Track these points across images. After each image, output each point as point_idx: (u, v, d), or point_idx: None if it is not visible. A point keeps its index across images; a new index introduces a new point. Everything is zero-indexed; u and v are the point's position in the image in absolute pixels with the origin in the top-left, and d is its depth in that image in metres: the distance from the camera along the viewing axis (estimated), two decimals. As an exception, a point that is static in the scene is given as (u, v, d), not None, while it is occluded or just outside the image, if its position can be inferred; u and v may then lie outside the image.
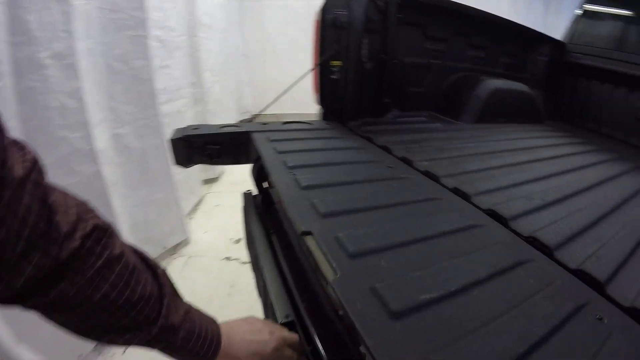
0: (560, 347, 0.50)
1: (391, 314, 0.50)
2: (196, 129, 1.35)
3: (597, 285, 0.68)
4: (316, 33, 1.57)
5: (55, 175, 1.32)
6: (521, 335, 0.50)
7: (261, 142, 1.20)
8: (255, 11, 4.95)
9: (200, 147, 1.34)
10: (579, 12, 2.69)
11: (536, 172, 1.31)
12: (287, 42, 5.09)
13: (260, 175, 1.30)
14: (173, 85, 2.40)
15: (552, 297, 0.61)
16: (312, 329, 0.73)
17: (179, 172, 2.31)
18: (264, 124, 1.46)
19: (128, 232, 1.90)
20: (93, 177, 1.61)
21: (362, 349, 0.46)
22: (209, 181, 3.37)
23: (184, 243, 2.47)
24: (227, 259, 2.34)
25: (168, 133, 2.18)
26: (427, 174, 1.13)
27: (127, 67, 1.85)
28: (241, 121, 1.69)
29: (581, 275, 0.70)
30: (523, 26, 2.30)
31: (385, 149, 1.34)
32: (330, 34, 1.54)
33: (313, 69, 1.61)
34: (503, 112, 2.14)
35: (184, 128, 1.36)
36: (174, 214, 2.34)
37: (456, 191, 1.02)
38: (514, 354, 0.47)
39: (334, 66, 1.59)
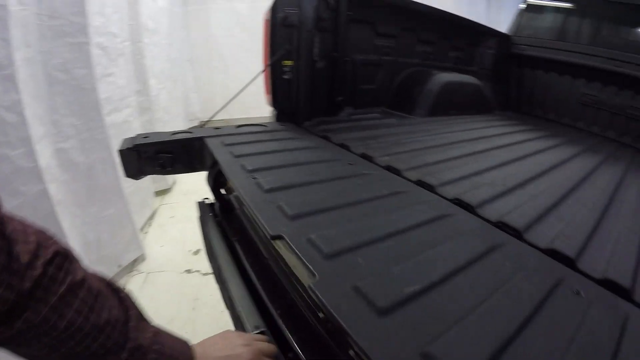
0: (546, 323, 0.51)
1: (379, 311, 0.48)
2: (146, 137, 1.27)
3: (568, 262, 0.71)
4: (266, 32, 1.53)
5: None
6: (509, 317, 0.51)
7: (216, 147, 1.14)
8: (200, 15, 4.81)
9: (152, 157, 1.26)
10: (523, 5, 2.82)
11: (494, 159, 1.34)
12: (233, 45, 4.98)
13: (217, 181, 1.24)
14: (118, 94, 2.27)
15: (529, 277, 0.62)
16: (289, 336, 0.69)
17: (129, 185, 2.19)
18: (217, 128, 1.40)
19: (80, 252, 1.77)
20: (39, 197, 1.49)
21: (352, 352, 0.43)
22: (161, 192, 3.22)
23: (140, 259, 2.34)
24: (188, 271, 2.24)
25: (115, 145, 2.08)
26: (389, 169, 1.12)
27: (68, 76, 1.73)
28: (192, 127, 1.61)
29: (552, 253, 0.73)
30: (469, 20, 2.36)
31: (344, 146, 1.32)
32: (281, 33, 1.50)
33: (264, 70, 1.56)
34: (454, 104, 2.19)
35: (133, 137, 1.27)
36: (127, 230, 2.21)
37: (420, 183, 1.01)
38: (505, 335, 0.47)
39: (286, 66, 1.55)
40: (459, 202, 0.91)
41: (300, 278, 0.55)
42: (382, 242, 0.65)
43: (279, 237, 0.64)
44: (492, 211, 0.88)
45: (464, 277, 0.59)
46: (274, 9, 1.47)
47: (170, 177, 3.32)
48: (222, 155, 1.05)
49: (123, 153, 1.21)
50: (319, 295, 0.49)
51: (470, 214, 0.86)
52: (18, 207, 1.37)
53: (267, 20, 1.52)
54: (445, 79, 2.10)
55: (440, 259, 0.62)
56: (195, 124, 4.94)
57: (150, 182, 2.87)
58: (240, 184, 0.85)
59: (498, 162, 1.31)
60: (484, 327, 0.48)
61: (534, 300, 0.55)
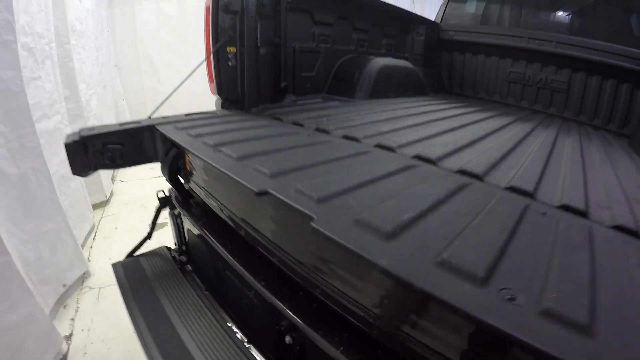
0: (529, 233, 0.58)
1: (387, 236, 0.49)
2: (92, 129, 1.19)
3: (529, 195, 0.79)
4: (207, 20, 1.49)
5: None
6: (499, 228, 0.56)
7: (171, 132, 1.09)
8: (125, 17, 4.57)
9: (100, 150, 1.18)
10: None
11: (440, 127, 1.42)
12: (161, 47, 4.79)
13: (173, 168, 1.17)
14: (46, 100, 2.10)
15: (502, 203, 0.68)
16: (280, 305, 0.69)
17: (64, 197, 2.06)
18: (165, 117, 1.34)
19: (22, 274, 1.62)
20: None
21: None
22: (100, 205, 3.03)
23: (86, 275, 2.19)
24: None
25: (48, 154, 1.93)
26: (347, 137, 1.13)
27: None
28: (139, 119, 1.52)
29: (513, 190, 0.80)
30: (400, 9, 2.48)
31: (297, 124, 1.32)
32: (223, 19, 1.47)
33: (207, 58, 1.52)
34: (392, 87, 2.28)
35: (78, 130, 1.19)
36: (68, 246, 2.05)
37: (380, 146, 1.04)
38: (499, 241, 0.52)
39: (230, 52, 1.52)
40: (420, 157, 0.95)
41: (295, 228, 0.54)
42: (365, 187, 0.67)
43: (265, 193, 0.62)
44: (451, 163, 0.95)
45: (448, 205, 0.63)
46: (216, -4, 1.44)
47: (107, 188, 3.14)
48: (180, 137, 1.01)
49: (69, 146, 1.13)
50: (324, 231, 0.49)
51: (433, 165, 0.90)
52: None
53: (207, 8, 1.48)
54: (382, 62, 2.18)
55: (422, 195, 0.66)
56: (128, 133, 4.72)
57: (86, 194, 2.69)
58: (208, 157, 0.82)
59: (444, 129, 1.39)
60: (480, 238, 0.52)
61: (513, 217, 0.61)
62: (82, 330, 1.83)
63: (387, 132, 1.26)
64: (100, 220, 2.86)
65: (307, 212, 0.54)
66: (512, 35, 2.65)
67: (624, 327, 0.40)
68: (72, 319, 1.91)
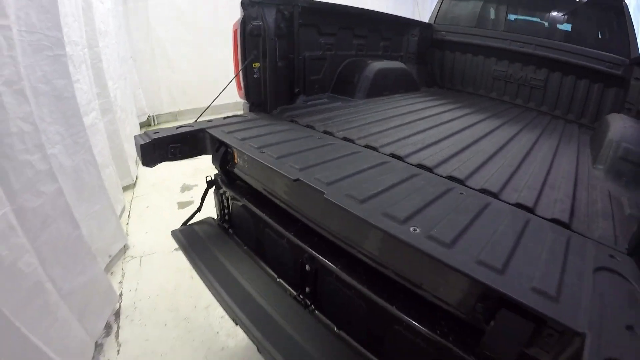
0: (443, 202, 1.13)
1: (360, 201, 1.07)
2: (157, 132, 1.74)
3: (459, 181, 1.33)
4: (235, 41, 2.04)
5: (27, 200, 1.68)
6: (422, 199, 1.12)
7: (223, 136, 1.66)
8: (139, 11, 5.11)
9: (165, 148, 1.74)
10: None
11: (418, 127, 1.98)
12: (174, 39, 5.36)
13: (224, 159, 1.75)
14: (84, 100, 2.60)
15: (434, 186, 1.24)
16: (305, 247, 1.28)
17: (104, 182, 2.56)
18: (209, 120, 1.90)
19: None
20: (56, 195, 1.81)
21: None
22: (128, 188, 3.64)
23: (125, 248, 2.79)
24: (177, 249, 2.72)
25: (93, 146, 2.48)
26: (346, 139, 1.70)
27: (49, 87, 1.98)
28: (190, 122, 2.04)
29: (450, 178, 1.35)
30: (394, 15, 3.05)
31: (310, 127, 1.88)
32: (249, 41, 2.02)
33: (237, 73, 2.08)
34: (387, 86, 2.87)
35: (145, 134, 1.73)
36: (112, 223, 2.62)
37: (367, 147, 1.61)
38: (422, 204, 1.08)
39: (255, 67, 2.08)
40: (393, 155, 1.52)
41: (313, 199, 1.12)
42: (353, 176, 1.25)
43: (298, 179, 1.20)
44: (414, 159, 1.49)
45: (398, 188, 1.20)
46: (243, 23, 1.99)
47: (133, 173, 3.73)
48: (232, 141, 1.58)
49: (144, 147, 1.65)
50: (331, 199, 1.07)
51: (401, 161, 1.47)
52: (42, 206, 1.68)
53: (235, 31, 2.03)
54: (378, 66, 2.76)
55: (385, 181, 1.23)
56: (144, 119, 5.28)
57: (118, 179, 3.26)
58: (258, 157, 1.40)
59: (420, 129, 1.96)
60: (411, 202, 1.08)
61: (435, 193, 1.17)
62: (130, 290, 2.42)
63: (376, 133, 1.83)
64: (132, 200, 3.46)
65: (321, 190, 1.12)
66: (496, 38, 3.23)
67: (471, 246, 0.92)
68: (120, 282, 2.50)
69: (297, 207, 1.41)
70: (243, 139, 1.60)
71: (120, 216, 3.12)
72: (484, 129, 2.13)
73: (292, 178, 1.21)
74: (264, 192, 1.56)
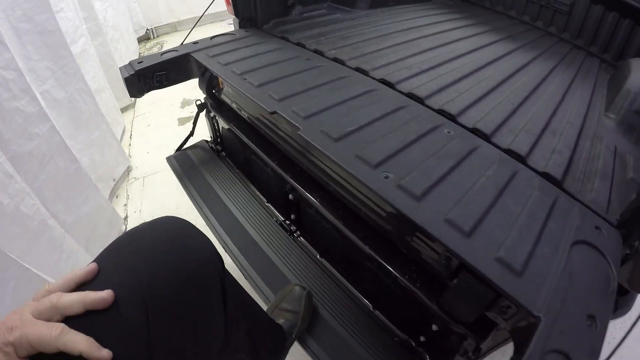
0: (426, 142, 1.08)
1: (335, 139, 1.05)
2: (140, 62, 1.69)
3: (450, 117, 1.25)
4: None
5: (20, 146, 1.70)
6: (403, 139, 1.08)
7: (206, 60, 1.61)
8: None
9: (150, 77, 1.71)
10: None
11: (418, 48, 1.85)
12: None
13: (210, 84, 1.73)
14: (71, 28, 2.52)
15: (420, 123, 1.18)
16: (287, 177, 1.31)
17: (100, 107, 2.58)
18: (195, 42, 1.83)
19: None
20: (50, 134, 1.83)
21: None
22: (128, 108, 3.65)
23: (129, 169, 2.87)
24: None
25: (86, 74, 2.45)
26: (336, 60, 1.64)
27: (31, 24, 1.96)
28: (177, 47, 1.98)
29: (441, 112, 1.28)
30: None
31: (300, 45, 1.81)
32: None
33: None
34: (391, -6, 2.65)
35: (130, 64, 1.68)
36: (114, 147, 2.67)
37: (358, 69, 1.55)
38: (401, 145, 1.05)
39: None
40: (384, 81, 1.46)
41: (291, 135, 1.12)
42: (333, 108, 1.21)
43: (274, 112, 1.20)
44: (406, 86, 1.40)
45: (380, 123, 1.15)
46: None
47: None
48: (213, 66, 1.54)
49: (127, 79, 1.62)
50: (304, 136, 1.06)
51: (391, 89, 1.41)
52: (37, 147, 1.71)
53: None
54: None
55: (368, 114, 1.18)
56: (142, 33, 5.13)
57: (115, 101, 3.24)
58: (237, 84, 1.37)
59: (422, 49, 1.83)
60: (389, 143, 1.05)
61: (419, 132, 1.12)
62: (135, 212, 2.52)
63: (370, 53, 1.72)
64: (132, 120, 3.48)
65: (297, 125, 1.11)
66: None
67: (442, 201, 0.89)
68: (125, 205, 2.59)
69: (277, 138, 1.42)
70: (226, 64, 1.55)
71: (122, 138, 3.15)
72: (493, 53, 1.95)
73: (269, 110, 1.20)
74: (247, 119, 1.56)
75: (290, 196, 1.43)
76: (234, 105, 1.65)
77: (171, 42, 5.27)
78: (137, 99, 3.81)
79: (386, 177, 0.94)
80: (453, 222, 0.84)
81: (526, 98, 1.49)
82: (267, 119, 1.42)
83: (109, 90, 3.06)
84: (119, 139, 2.97)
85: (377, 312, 1.29)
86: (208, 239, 0.79)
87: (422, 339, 1.18)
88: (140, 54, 4.71)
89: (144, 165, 2.93)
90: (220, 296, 0.78)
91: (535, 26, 2.93)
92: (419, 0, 2.88)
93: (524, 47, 2.23)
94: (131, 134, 3.31)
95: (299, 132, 1.08)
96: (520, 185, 0.99)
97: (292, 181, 1.35)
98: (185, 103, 3.75)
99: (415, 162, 1.00)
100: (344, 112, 1.21)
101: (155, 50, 4.89)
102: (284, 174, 1.38)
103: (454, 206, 0.88)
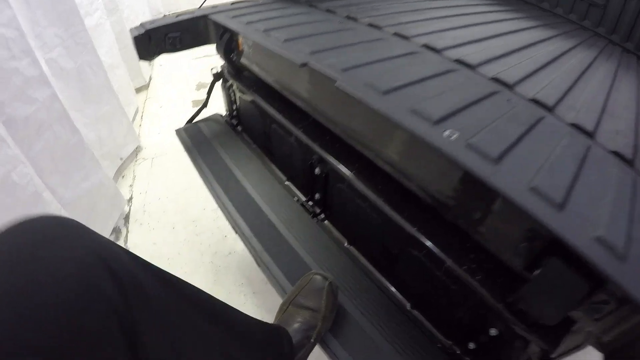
0: (486, 108, 0.87)
1: (383, 92, 0.84)
2: (153, 22, 1.52)
3: (507, 86, 1.04)
4: None
5: (16, 109, 1.51)
6: (461, 99, 0.87)
7: (226, 20, 1.41)
8: None
9: (162, 38, 1.53)
10: None
11: (459, 22, 1.64)
12: None
13: (228, 47, 1.53)
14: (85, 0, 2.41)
15: (476, 86, 0.98)
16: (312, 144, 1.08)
17: (113, 83, 2.44)
18: (214, 6, 1.65)
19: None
20: (51, 100, 1.68)
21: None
22: (142, 89, 3.47)
23: (138, 149, 2.68)
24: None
25: (98, 47, 2.28)
26: (371, 25, 1.43)
27: None
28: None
29: (496, 80, 1.07)
30: None
31: (330, 11, 1.61)
32: None
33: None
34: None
35: (140, 25, 1.51)
36: (123, 125, 2.50)
37: (397, 34, 1.34)
38: (459, 105, 0.84)
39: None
40: (427, 47, 1.25)
41: (325, 88, 0.90)
42: (375, 64, 1.00)
43: (305, 64, 0.98)
44: (452, 54, 1.20)
45: (432, 82, 0.95)
46: None
47: (146, 73, 3.55)
48: (234, 24, 1.34)
49: (137, 39, 1.46)
50: (344, 86, 0.85)
51: (436, 53, 1.21)
52: (35, 113, 1.57)
53: None
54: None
55: (415, 73, 0.98)
56: (161, 17, 4.96)
57: (129, 80, 3.08)
58: (262, 41, 1.17)
59: (462, 24, 1.62)
60: (447, 101, 0.84)
61: (478, 95, 0.91)
62: (140, 193, 2.34)
63: (408, 22, 1.52)
64: (145, 101, 3.30)
65: (334, 76, 0.91)
66: None
67: (522, 167, 0.68)
68: (131, 185, 2.41)
69: (305, 99, 1.18)
70: (249, 23, 1.35)
71: (134, 119, 2.99)
72: (534, 37, 1.73)
73: (299, 62, 0.99)
74: (270, 83, 1.34)
75: (317, 170, 1.21)
76: (254, 68, 1.43)
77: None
78: (151, 81, 3.63)
79: (450, 136, 0.73)
80: (541, 191, 0.64)
81: (578, 78, 1.30)
82: (293, 79, 1.19)
83: (124, 68, 2.89)
84: (130, 119, 2.81)
85: (415, 311, 1.07)
86: (108, 246, 0.54)
87: (471, 346, 0.95)
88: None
89: (154, 146, 2.75)
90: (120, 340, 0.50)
91: (569, 19, 2.72)
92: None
93: (562, 36, 2.01)
94: (142, 115, 3.13)
95: (337, 84, 0.86)
96: (596, 161, 0.80)
97: (320, 151, 1.14)
98: (200, 86, 3.57)
99: (482, 123, 0.80)
100: (388, 68, 1.00)
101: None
102: (311, 143, 1.17)
103: (537, 173, 0.68)
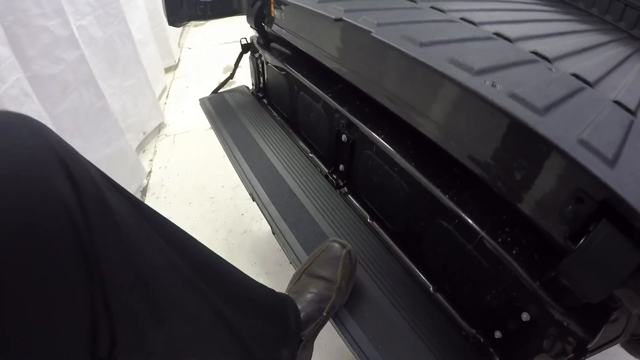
0: (527, 70, 0.79)
1: (420, 44, 0.78)
2: None
3: (545, 59, 0.93)
4: None
5: (43, 67, 1.48)
6: (502, 59, 0.79)
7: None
8: None
9: (194, 3, 1.49)
10: None
11: (493, 6, 1.54)
12: None
13: (259, 15, 1.46)
14: None
15: (517, 52, 0.88)
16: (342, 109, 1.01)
17: (142, 58, 2.43)
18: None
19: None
20: (79, 62, 1.67)
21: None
22: (170, 69, 3.48)
23: (162, 126, 2.66)
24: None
25: (132, 22, 2.27)
26: (434, 8, 1.33)
27: None
28: None
29: (536, 53, 0.95)
30: None
31: None
32: None
33: None
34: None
35: None
36: (148, 99, 2.49)
37: (433, 8, 1.23)
38: (500, 62, 0.77)
39: None
40: (464, 19, 1.14)
41: (358, 45, 0.84)
42: (410, 24, 0.93)
43: (340, 20, 0.92)
44: (490, 28, 1.07)
45: (470, 43, 0.87)
46: None
47: (176, 54, 3.54)
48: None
49: (167, 2, 1.44)
50: (379, 37, 0.79)
51: (473, 25, 1.09)
52: (61, 73, 1.56)
53: None
54: None
55: (454, 34, 0.91)
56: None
57: (159, 58, 3.07)
58: (297, 1, 1.11)
59: (496, 8, 1.52)
60: (487, 58, 0.77)
61: (518, 59, 0.82)
62: (160, 168, 2.31)
63: (473, 10, 1.43)
64: (172, 81, 3.31)
65: (368, 28, 0.84)
66: None
67: (569, 121, 0.62)
68: (151, 160, 2.39)
69: (337, 59, 1.10)
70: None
71: (160, 97, 2.98)
72: (571, 27, 1.62)
73: (333, 17, 0.93)
74: (302, 47, 1.27)
75: (344, 136, 1.14)
76: (286, 35, 1.36)
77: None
78: (180, 63, 3.63)
79: (493, 85, 0.66)
80: (591, 144, 0.56)
81: (616, 66, 1.17)
82: (326, 40, 1.11)
83: (154, 46, 2.88)
84: (157, 96, 2.80)
85: (438, 295, 0.98)
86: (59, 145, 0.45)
87: (497, 334, 0.86)
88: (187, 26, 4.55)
89: (177, 123, 2.74)
90: (74, 258, 0.42)
91: (604, 20, 2.61)
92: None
93: (598, 31, 1.88)
94: (168, 94, 3.13)
95: (372, 34, 0.80)
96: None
97: (349, 115, 1.07)
98: (228, 69, 3.55)
99: (525, 80, 0.72)
100: (424, 28, 0.93)
101: (207, 24, 4.69)
102: (339, 107, 1.10)
103: (585, 130, 0.60)
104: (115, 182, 0.56)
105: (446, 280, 0.97)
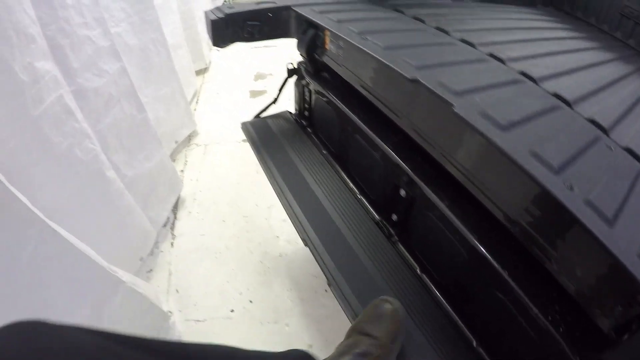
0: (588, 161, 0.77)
1: (502, 127, 0.76)
2: (231, 7, 1.45)
3: (603, 129, 0.93)
4: None
5: (87, 80, 1.44)
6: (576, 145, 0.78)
7: (314, 15, 1.34)
8: None
9: (240, 26, 1.46)
10: None
11: (544, 48, 1.50)
12: None
13: (311, 45, 1.43)
14: None
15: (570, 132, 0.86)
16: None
17: (174, 63, 2.39)
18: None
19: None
20: (120, 75, 1.64)
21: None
22: (200, 72, 3.45)
23: (193, 134, 2.64)
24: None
25: (165, 26, 2.24)
26: (464, 42, 1.31)
27: None
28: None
29: (592, 122, 0.95)
30: None
31: (419, 19, 1.49)
32: None
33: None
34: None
35: (217, 9, 1.45)
36: (180, 107, 2.47)
37: (492, 56, 1.21)
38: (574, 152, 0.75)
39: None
40: (524, 75, 1.12)
41: (431, 110, 0.82)
42: (486, 91, 0.91)
43: (416, 81, 0.89)
44: (551, 86, 1.07)
45: (544, 119, 0.85)
46: None
47: (207, 57, 3.51)
48: (325, 22, 1.26)
49: (215, 23, 1.40)
50: (462, 114, 0.77)
51: (534, 84, 1.07)
52: (105, 86, 1.53)
53: None
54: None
55: (526, 106, 0.88)
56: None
57: (191, 61, 3.05)
58: (361, 44, 1.08)
59: (548, 51, 1.48)
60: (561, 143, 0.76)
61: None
62: (191, 180, 2.30)
63: (498, 43, 1.41)
64: (202, 85, 3.28)
65: (449, 100, 0.81)
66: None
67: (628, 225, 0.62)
68: (182, 170, 2.37)
69: (403, 114, 1.07)
70: (339, 21, 1.28)
71: (191, 101, 2.96)
72: (601, 57, 1.62)
73: (409, 77, 0.90)
74: (361, 90, 1.23)
75: (403, 192, 1.12)
76: (342, 72, 1.33)
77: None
78: (210, 65, 3.60)
79: (571, 188, 0.66)
80: None
81: (635, 104, 1.18)
82: (392, 91, 1.08)
83: (186, 49, 2.86)
84: (189, 101, 2.77)
85: (480, 349, 0.97)
86: None
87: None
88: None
89: (208, 132, 2.71)
90: None
91: (614, 36, 2.53)
92: (524, 4, 2.51)
93: (618, 60, 1.82)
94: (198, 99, 3.09)
95: (454, 109, 0.78)
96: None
97: (411, 173, 1.04)
98: (258, 77, 3.52)
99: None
100: (501, 98, 0.91)
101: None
102: (401, 163, 1.07)
103: None
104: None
105: (490, 337, 0.98)
